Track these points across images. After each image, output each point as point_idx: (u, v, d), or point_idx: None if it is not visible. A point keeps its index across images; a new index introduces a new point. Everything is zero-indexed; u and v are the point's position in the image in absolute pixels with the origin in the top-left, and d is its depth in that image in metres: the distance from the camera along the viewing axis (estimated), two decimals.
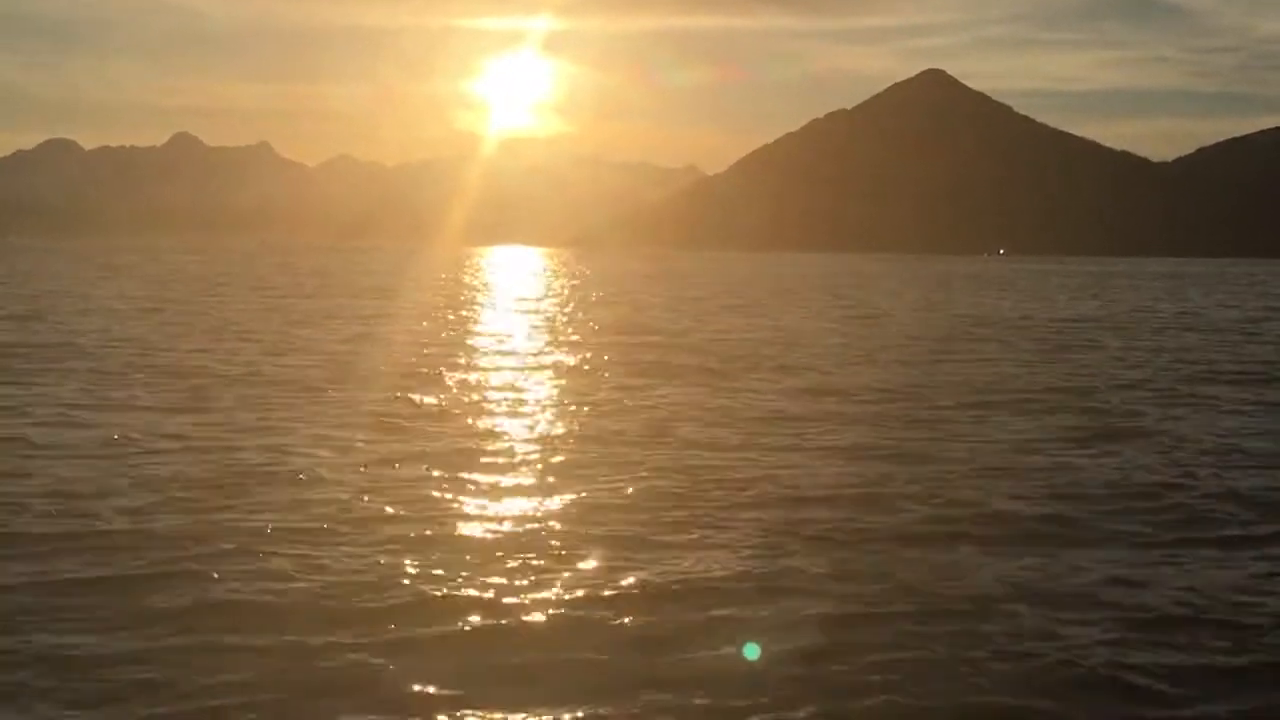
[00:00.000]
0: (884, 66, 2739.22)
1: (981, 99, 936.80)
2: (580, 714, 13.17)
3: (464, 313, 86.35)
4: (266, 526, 20.12)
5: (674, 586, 17.34)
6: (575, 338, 62.71)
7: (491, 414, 34.10)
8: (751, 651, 14.69)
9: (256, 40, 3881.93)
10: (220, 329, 63.17)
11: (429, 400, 36.29)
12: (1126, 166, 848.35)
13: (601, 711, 13.22)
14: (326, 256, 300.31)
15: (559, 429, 31.41)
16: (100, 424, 30.38)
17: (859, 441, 29.67)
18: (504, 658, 14.68)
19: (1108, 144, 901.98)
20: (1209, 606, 17.04)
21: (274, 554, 18.49)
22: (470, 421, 32.30)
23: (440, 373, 44.02)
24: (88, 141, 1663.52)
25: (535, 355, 52.91)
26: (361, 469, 25.16)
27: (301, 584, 17.08)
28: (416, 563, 18.24)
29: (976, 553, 19.55)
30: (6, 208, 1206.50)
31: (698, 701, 13.44)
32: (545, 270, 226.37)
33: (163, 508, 21.38)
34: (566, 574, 17.91)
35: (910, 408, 36.08)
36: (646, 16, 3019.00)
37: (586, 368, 46.92)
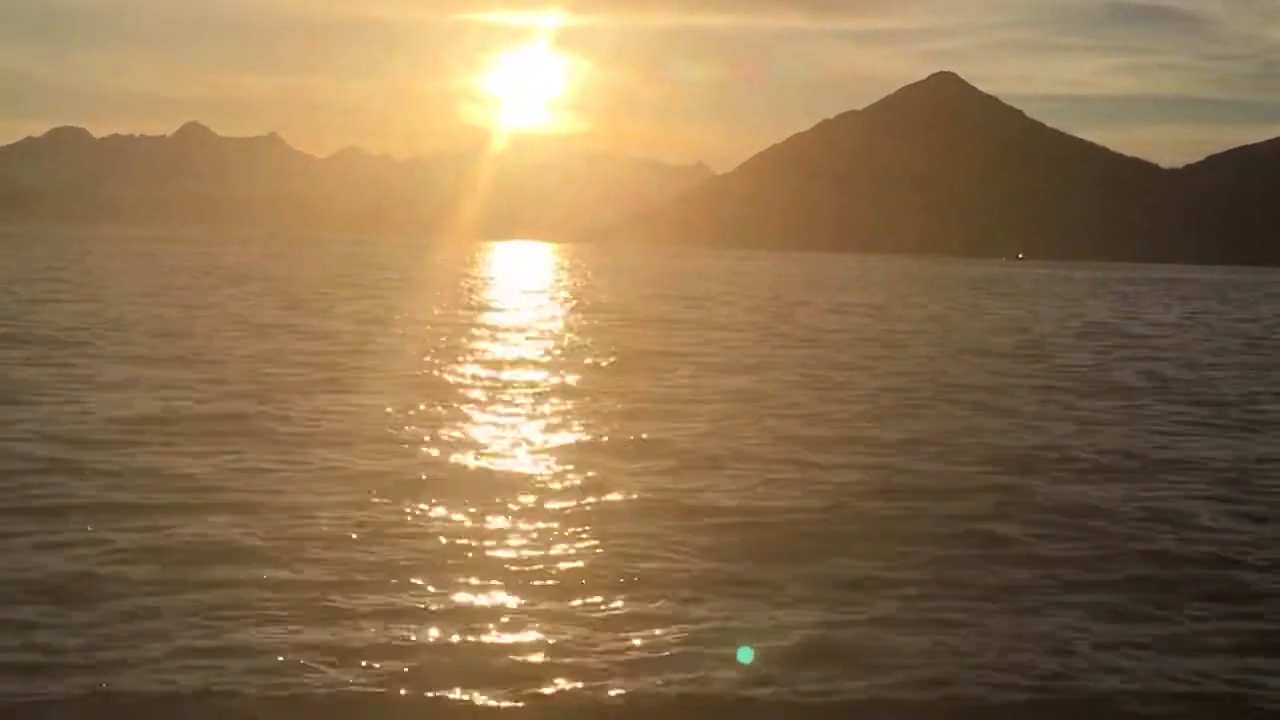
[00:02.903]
0: (895, 68, 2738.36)
1: (993, 102, 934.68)
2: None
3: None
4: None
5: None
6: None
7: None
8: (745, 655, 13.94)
9: (267, 32, 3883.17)
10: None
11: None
12: (1137, 173, 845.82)
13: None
14: (349, 250, 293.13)
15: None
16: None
17: None
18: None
19: (1118, 150, 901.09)
20: None
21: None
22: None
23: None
24: (98, 130, 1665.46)
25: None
26: None
27: None
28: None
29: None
30: (16, 194, 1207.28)
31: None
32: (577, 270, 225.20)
33: None
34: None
35: None
36: (659, 13, 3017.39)
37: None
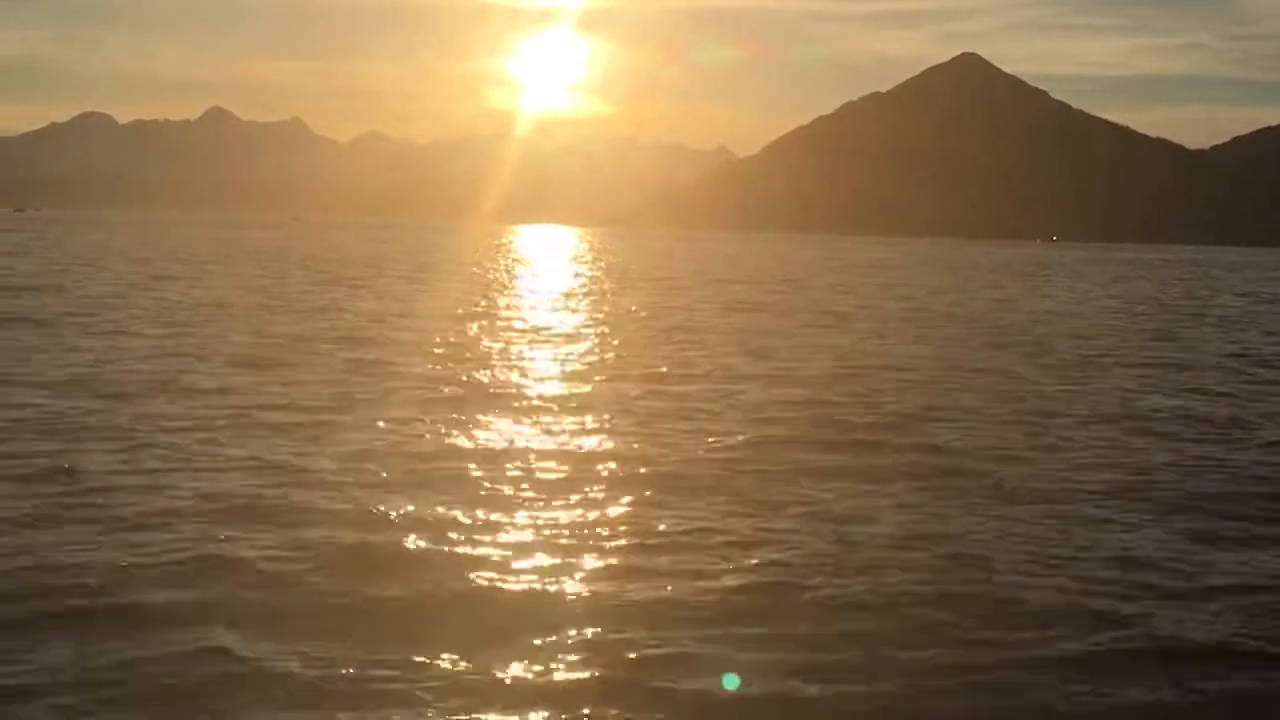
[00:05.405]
0: (919, 50, 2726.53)
1: (1017, 83, 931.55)
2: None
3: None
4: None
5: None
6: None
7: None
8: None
9: (291, 16, 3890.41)
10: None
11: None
12: (1164, 153, 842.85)
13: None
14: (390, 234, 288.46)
15: None
16: None
17: None
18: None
19: (1142, 130, 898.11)
20: None
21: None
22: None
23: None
24: (122, 115, 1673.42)
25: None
26: None
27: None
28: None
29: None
30: (40, 179, 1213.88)
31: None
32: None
33: None
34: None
35: None
36: None
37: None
